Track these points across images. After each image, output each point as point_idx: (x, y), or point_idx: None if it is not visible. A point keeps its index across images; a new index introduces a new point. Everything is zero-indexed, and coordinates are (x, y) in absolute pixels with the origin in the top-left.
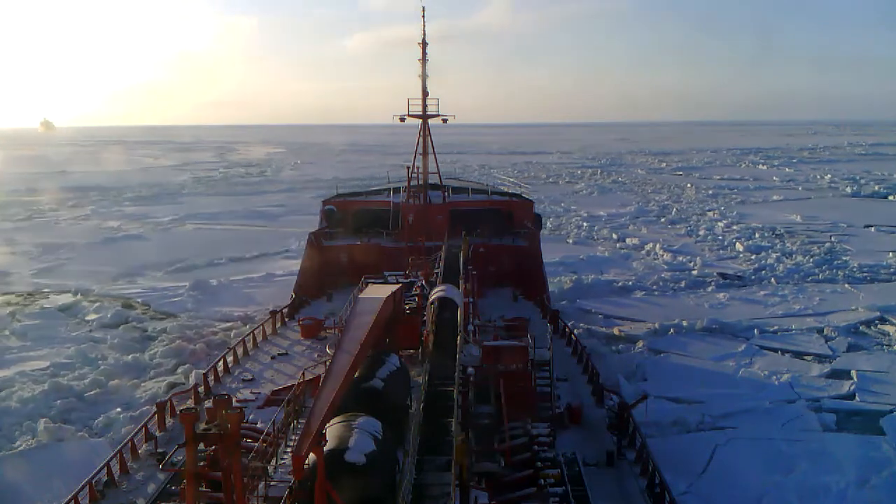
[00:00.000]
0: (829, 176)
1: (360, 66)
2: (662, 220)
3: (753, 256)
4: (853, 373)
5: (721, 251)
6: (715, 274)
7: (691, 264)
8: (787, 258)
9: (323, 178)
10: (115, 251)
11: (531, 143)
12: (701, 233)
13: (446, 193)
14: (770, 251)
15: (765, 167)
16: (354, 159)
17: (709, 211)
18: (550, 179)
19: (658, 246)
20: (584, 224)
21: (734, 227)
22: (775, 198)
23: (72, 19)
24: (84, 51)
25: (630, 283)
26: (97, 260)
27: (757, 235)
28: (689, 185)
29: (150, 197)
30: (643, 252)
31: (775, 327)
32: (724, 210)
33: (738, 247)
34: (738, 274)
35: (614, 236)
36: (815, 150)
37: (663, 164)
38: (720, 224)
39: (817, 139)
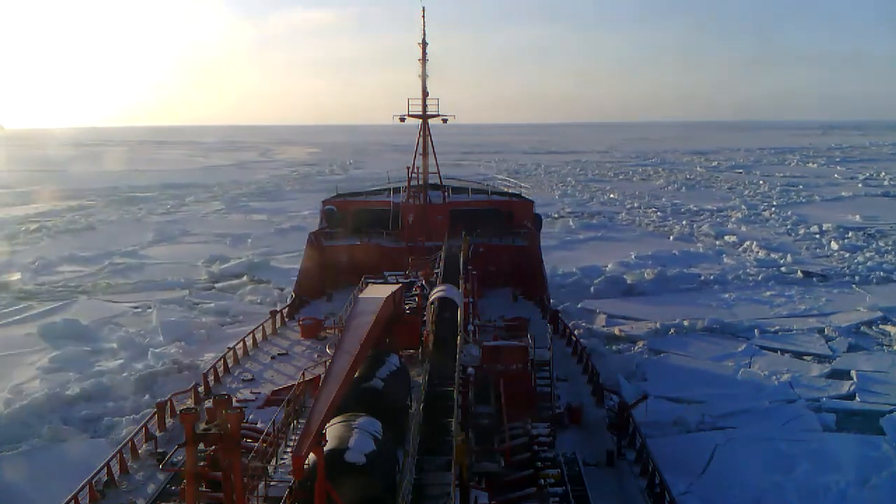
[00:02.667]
0: (884, 174)
1: (358, 64)
2: (762, 215)
3: (847, 255)
4: (853, 373)
5: (818, 249)
6: (799, 272)
7: (781, 261)
8: (878, 256)
9: (392, 175)
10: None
11: (552, 143)
12: (801, 231)
13: (446, 193)
14: (864, 250)
15: (814, 165)
16: (406, 158)
17: (794, 207)
18: (620, 177)
19: (755, 243)
20: (685, 221)
21: (824, 226)
22: (844, 194)
23: (68, 19)
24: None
25: (711, 277)
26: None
27: (850, 235)
28: (761, 183)
29: (259, 194)
30: (740, 249)
31: (776, 327)
32: (809, 208)
33: (834, 245)
34: (823, 272)
35: (713, 232)
36: (844, 149)
37: (714, 163)
38: (815, 223)
39: (831, 139)
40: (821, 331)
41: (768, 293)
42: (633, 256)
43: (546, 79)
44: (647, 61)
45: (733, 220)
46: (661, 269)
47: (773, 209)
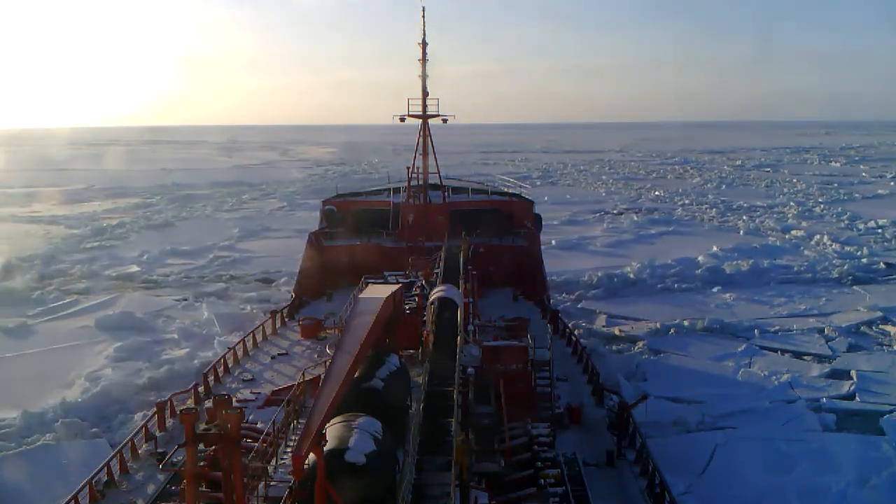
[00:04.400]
0: None
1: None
2: (813, 211)
3: None
4: (853, 373)
5: (885, 243)
6: (881, 263)
7: (859, 254)
8: None
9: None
10: None
11: (562, 143)
12: (861, 226)
13: (446, 193)
14: None
15: (837, 164)
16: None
17: (840, 204)
18: (653, 175)
19: (825, 237)
20: (745, 217)
21: (880, 221)
22: (881, 192)
23: (62, 18)
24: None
25: (802, 267)
26: None
27: None
28: (795, 181)
29: (310, 192)
30: (811, 242)
31: (776, 327)
32: (855, 205)
33: None
34: None
35: (778, 227)
36: (856, 149)
37: (738, 162)
38: (869, 218)
39: (837, 139)
40: (821, 331)
41: (768, 293)
42: (717, 249)
43: (543, 79)
44: (646, 62)
45: (790, 216)
46: (753, 261)
47: (822, 206)
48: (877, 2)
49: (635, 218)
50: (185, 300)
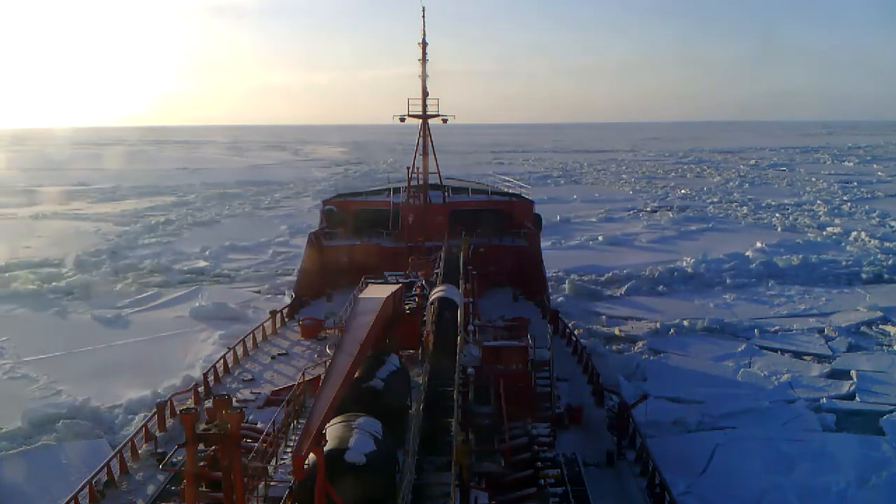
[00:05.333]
0: None
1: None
2: (842, 209)
3: None
4: (853, 373)
5: None
6: None
7: None
8: None
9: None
10: None
11: (569, 143)
12: (893, 223)
13: (446, 193)
14: None
15: (850, 164)
16: (439, 157)
17: (866, 202)
18: (672, 174)
19: (862, 233)
20: (778, 214)
21: None
22: None
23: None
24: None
25: (849, 262)
26: None
27: None
28: (814, 180)
29: (341, 191)
30: (850, 238)
31: (776, 327)
32: (880, 203)
33: None
34: None
35: (814, 224)
36: (864, 149)
37: (752, 162)
38: None
39: (840, 139)
40: (821, 331)
41: (768, 293)
42: (763, 245)
43: (541, 79)
44: (645, 62)
45: (821, 213)
46: (801, 256)
47: (848, 204)
48: (877, 2)
49: (671, 215)
50: (260, 293)
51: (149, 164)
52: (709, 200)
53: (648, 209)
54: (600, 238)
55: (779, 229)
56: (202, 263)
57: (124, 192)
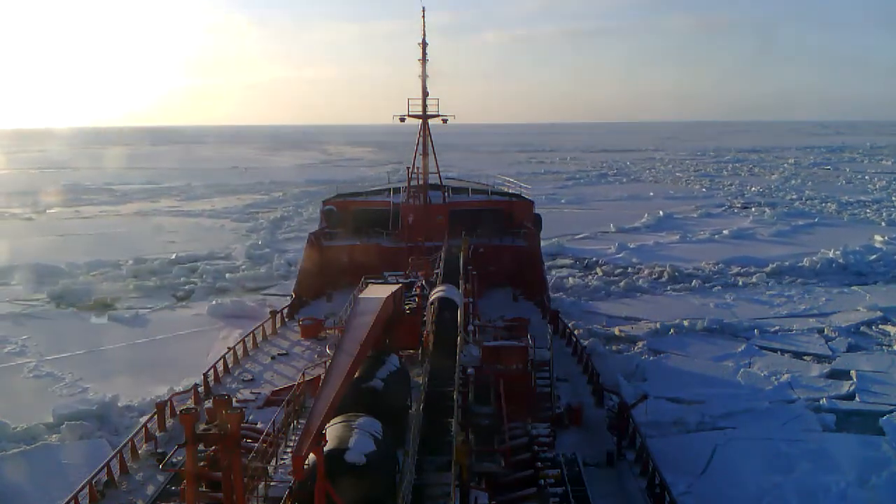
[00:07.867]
0: None
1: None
2: None
3: None
4: (853, 373)
5: None
6: None
7: None
8: None
9: (494, 172)
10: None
11: (595, 143)
12: None
13: (446, 193)
14: None
15: (888, 163)
16: (466, 156)
17: None
18: (724, 172)
19: None
20: (868, 210)
21: None
22: None
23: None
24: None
25: None
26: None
27: None
28: (867, 178)
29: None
30: None
31: (776, 327)
32: None
33: None
34: None
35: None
36: (884, 148)
37: (791, 160)
38: None
39: (852, 139)
40: (821, 331)
41: (768, 293)
42: (884, 238)
43: (538, 79)
44: (644, 62)
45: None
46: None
47: None
48: (877, 1)
49: (768, 211)
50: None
51: (194, 163)
52: (787, 197)
53: (738, 205)
54: (725, 232)
55: (883, 224)
56: None
57: (201, 190)
